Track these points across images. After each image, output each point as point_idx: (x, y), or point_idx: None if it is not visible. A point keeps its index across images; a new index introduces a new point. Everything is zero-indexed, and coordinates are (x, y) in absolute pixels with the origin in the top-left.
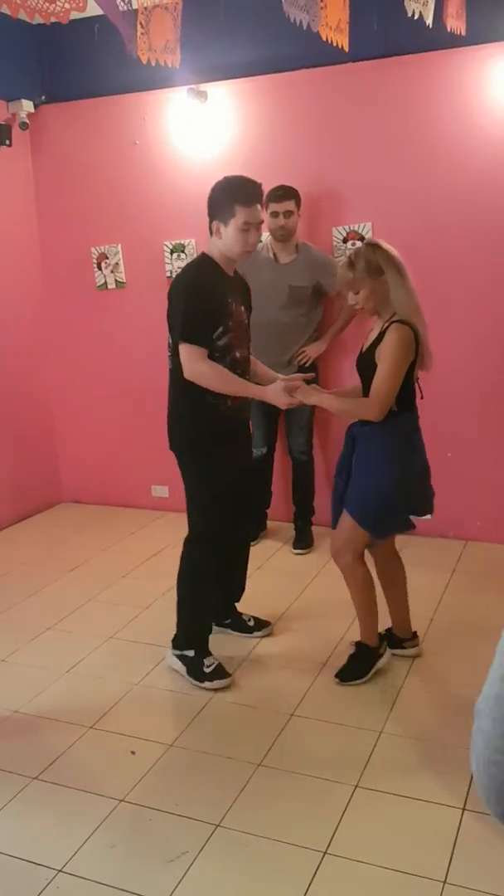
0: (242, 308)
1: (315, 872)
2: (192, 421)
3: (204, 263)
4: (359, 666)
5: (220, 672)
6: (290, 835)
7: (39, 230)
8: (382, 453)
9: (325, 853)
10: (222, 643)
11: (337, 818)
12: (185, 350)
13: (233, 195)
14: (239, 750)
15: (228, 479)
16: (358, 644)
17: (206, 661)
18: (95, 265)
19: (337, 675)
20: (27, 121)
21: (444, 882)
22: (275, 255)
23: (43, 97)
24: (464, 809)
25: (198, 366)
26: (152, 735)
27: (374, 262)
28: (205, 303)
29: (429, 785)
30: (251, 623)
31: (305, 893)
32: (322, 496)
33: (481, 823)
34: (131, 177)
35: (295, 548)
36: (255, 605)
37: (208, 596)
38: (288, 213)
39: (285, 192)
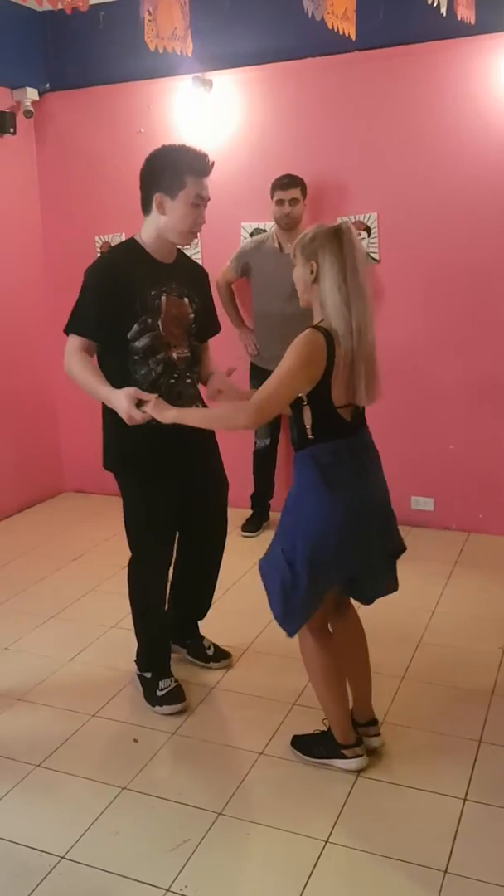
0: (186, 301)
1: (316, 861)
2: (118, 435)
3: (124, 249)
4: (316, 747)
5: (173, 696)
6: (292, 824)
7: (43, 218)
8: (299, 497)
9: (326, 842)
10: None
11: (338, 808)
12: (67, 342)
13: (184, 164)
14: (241, 739)
15: (167, 505)
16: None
17: (161, 684)
18: (99, 254)
19: (293, 738)
20: (31, 109)
21: (445, 872)
22: (279, 244)
23: (47, 85)
24: (465, 799)
25: (68, 360)
26: (155, 723)
27: (315, 244)
28: (104, 291)
29: (430, 774)
30: (210, 651)
31: (307, 882)
32: None
33: (483, 813)
34: (136, 165)
35: None
36: (255, 596)
37: (159, 619)
38: (294, 202)
39: (291, 181)
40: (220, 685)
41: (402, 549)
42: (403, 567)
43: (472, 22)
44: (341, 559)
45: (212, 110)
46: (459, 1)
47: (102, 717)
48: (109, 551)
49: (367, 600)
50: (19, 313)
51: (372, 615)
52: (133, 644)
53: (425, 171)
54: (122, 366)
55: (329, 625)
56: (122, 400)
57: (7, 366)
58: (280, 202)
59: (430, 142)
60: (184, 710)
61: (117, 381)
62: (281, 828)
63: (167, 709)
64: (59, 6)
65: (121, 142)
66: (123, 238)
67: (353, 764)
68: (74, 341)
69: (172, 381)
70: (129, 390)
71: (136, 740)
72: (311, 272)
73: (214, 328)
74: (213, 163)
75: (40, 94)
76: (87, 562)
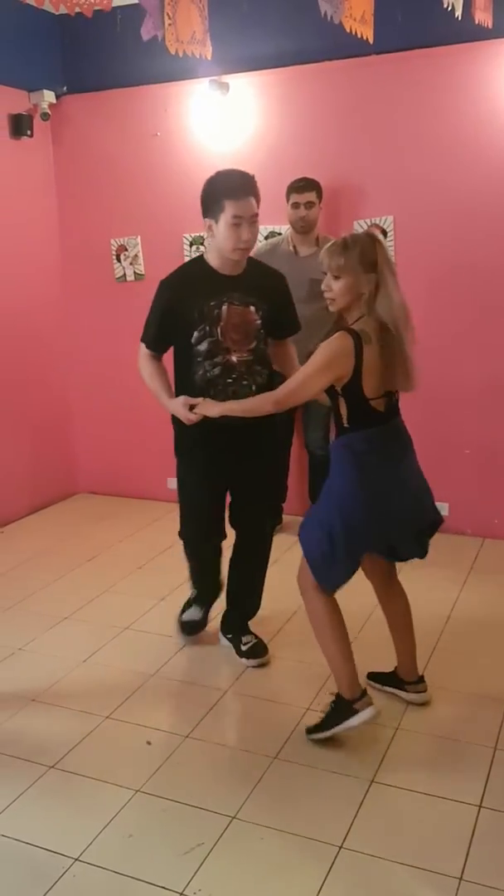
0: (252, 308)
1: (330, 867)
2: (176, 429)
3: (191, 265)
4: (328, 720)
5: (187, 627)
6: (306, 829)
7: (59, 221)
8: (335, 478)
9: (340, 848)
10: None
11: (353, 813)
12: (139, 347)
13: (220, 189)
14: (255, 743)
15: (202, 492)
16: (336, 696)
17: (187, 612)
18: (114, 257)
19: (306, 729)
20: (48, 111)
21: (461, 879)
22: (294, 247)
23: (64, 88)
24: (480, 806)
25: (139, 364)
26: (168, 726)
27: (371, 256)
28: (163, 305)
29: (445, 781)
30: (244, 647)
31: (321, 888)
32: None
33: (499, 820)
34: (152, 168)
35: None
36: (269, 601)
37: (201, 582)
38: (309, 205)
39: (307, 184)
40: (233, 688)
41: (439, 521)
42: (418, 573)
43: (490, 26)
44: (370, 532)
45: (228, 113)
46: (477, 4)
47: (116, 719)
48: (123, 552)
49: (401, 559)
50: (35, 315)
51: (380, 620)
52: (147, 646)
53: (442, 174)
54: (188, 365)
55: (378, 593)
56: (177, 407)
57: (22, 367)
58: (296, 205)
59: (447, 145)
60: (190, 641)
61: (183, 377)
62: (295, 832)
63: (180, 637)
64: (78, 10)
65: (137, 144)
66: (139, 241)
67: (365, 715)
68: (143, 348)
69: (230, 381)
70: (180, 399)
71: (149, 742)
72: (371, 282)
73: (291, 328)
74: (251, 180)
75: (57, 97)
76: (100, 563)
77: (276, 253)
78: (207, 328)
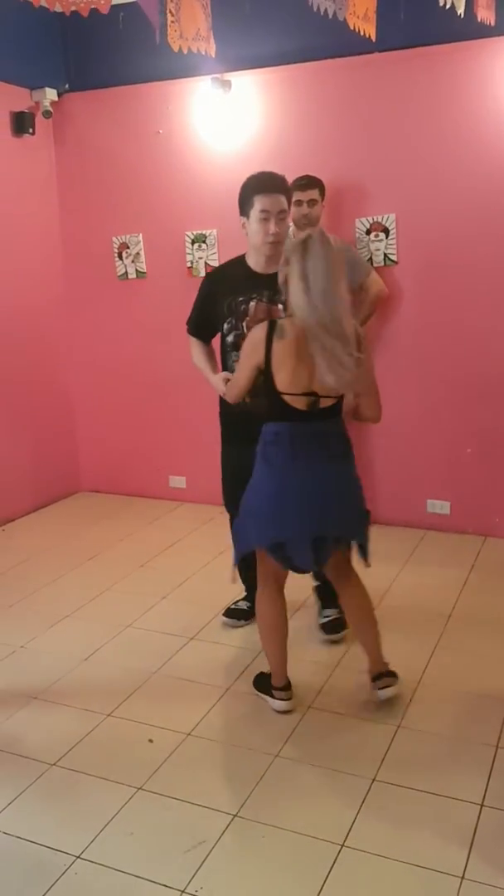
0: (279, 307)
1: (332, 865)
2: (220, 410)
3: (230, 262)
4: (261, 682)
5: (231, 612)
6: (308, 827)
7: (61, 219)
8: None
9: (342, 846)
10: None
11: (354, 811)
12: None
13: (251, 187)
14: (257, 740)
15: (232, 466)
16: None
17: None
18: (116, 255)
19: (257, 675)
20: (50, 109)
21: (462, 878)
22: None
23: (66, 85)
24: (482, 805)
25: (190, 347)
26: (170, 724)
27: (288, 252)
28: (202, 297)
29: (447, 780)
30: (323, 620)
31: (322, 886)
32: None
33: (500, 819)
34: (154, 166)
35: None
36: None
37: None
38: (312, 202)
39: (309, 182)
40: (235, 686)
41: (343, 539)
42: (420, 571)
43: (493, 23)
44: (262, 521)
45: (231, 111)
46: (479, 2)
47: (118, 717)
48: (125, 551)
49: (296, 570)
50: (37, 313)
51: (388, 619)
52: (149, 644)
53: (444, 172)
54: (223, 354)
55: (336, 589)
56: (217, 381)
57: (24, 365)
58: (298, 203)
59: (450, 143)
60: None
61: (222, 364)
62: (297, 830)
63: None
64: (73, 9)
65: (139, 142)
66: (141, 239)
67: (277, 704)
68: (189, 338)
69: None
70: (221, 374)
71: (151, 740)
72: (283, 275)
73: None
74: (280, 179)
75: (59, 95)
76: (102, 561)
77: (279, 252)
78: (234, 321)
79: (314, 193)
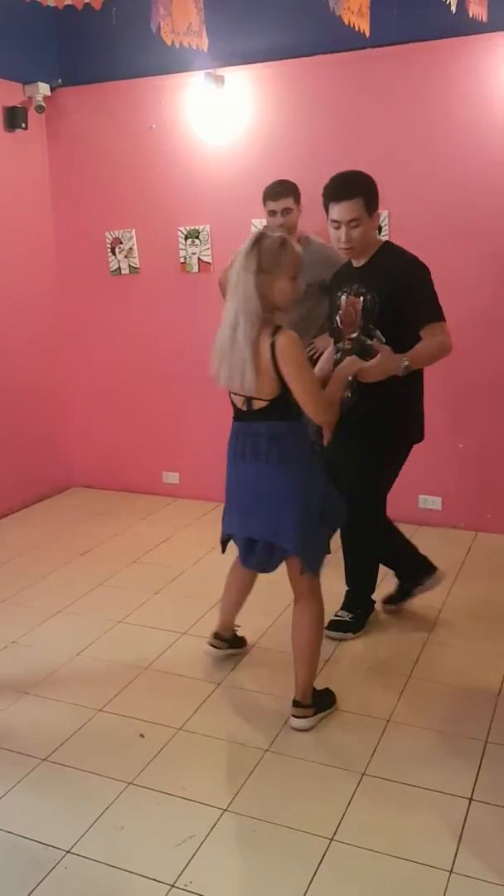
0: (360, 299)
1: (321, 859)
2: None
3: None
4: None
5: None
6: (298, 821)
7: (54, 213)
8: None
9: (331, 840)
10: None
11: (344, 805)
12: None
13: (325, 194)
14: (247, 735)
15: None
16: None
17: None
18: (109, 250)
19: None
20: (43, 104)
21: (451, 871)
22: None
23: (59, 80)
24: (471, 799)
25: None
26: (161, 718)
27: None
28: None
29: (436, 774)
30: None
31: (311, 880)
32: None
33: (489, 813)
34: (147, 161)
35: None
36: (259, 595)
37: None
38: (286, 211)
39: (283, 189)
40: (226, 681)
41: (278, 547)
42: None
43: (485, 19)
44: (223, 517)
45: (224, 106)
46: None
47: (109, 712)
48: (118, 546)
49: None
50: (30, 307)
51: (379, 614)
52: (141, 639)
53: (437, 168)
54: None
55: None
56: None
57: (18, 360)
58: (272, 213)
59: (442, 139)
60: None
61: None
62: (286, 825)
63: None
64: (67, 2)
65: (132, 137)
66: (134, 234)
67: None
68: None
69: (339, 361)
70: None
71: (142, 735)
72: None
73: (415, 318)
74: (348, 184)
75: (52, 90)
76: (95, 557)
77: None
78: (333, 316)
79: (289, 202)
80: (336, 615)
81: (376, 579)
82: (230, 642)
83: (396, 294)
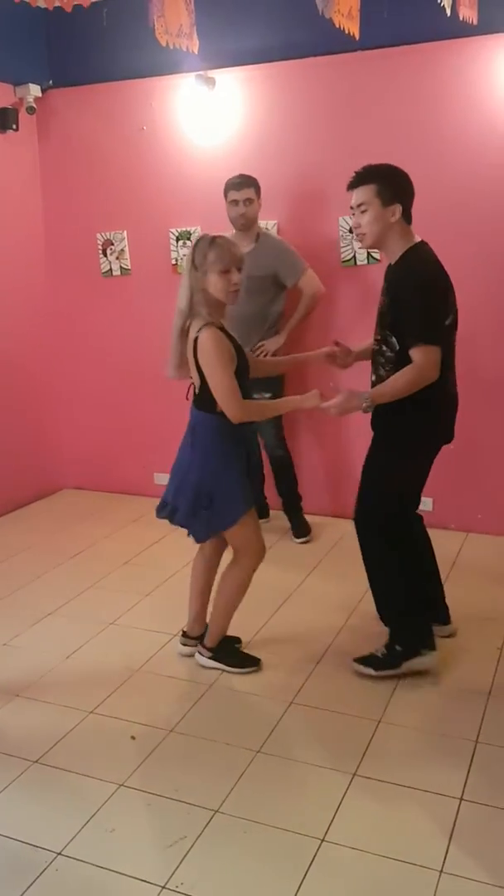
0: (383, 299)
1: (312, 859)
2: None
3: None
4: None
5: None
6: (288, 822)
7: (45, 215)
8: None
9: (322, 840)
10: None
11: (335, 806)
12: None
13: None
14: (238, 737)
15: None
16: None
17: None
18: (101, 251)
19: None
20: (34, 105)
21: (441, 871)
22: None
23: (50, 81)
24: (461, 799)
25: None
26: (152, 721)
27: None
28: None
29: (427, 774)
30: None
31: (302, 880)
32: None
33: (479, 813)
34: (138, 163)
35: (296, 537)
36: (254, 598)
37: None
38: (248, 202)
39: (245, 181)
40: (217, 683)
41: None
42: None
43: (475, 22)
44: None
45: (214, 108)
46: (462, 1)
47: (100, 714)
48: (109, 548)
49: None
50: (21, 309)
51: (369, 611)
52: (132, 641)
53: (426, 169)
54: None
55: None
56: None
57: (8, 361)
58: (234, 202)
59: (432, 141)
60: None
61: None
62: (277, 825)
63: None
64: (57, 4)
65: (123, 139)
66: (125, 235)
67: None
68: None
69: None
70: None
71: (133, 737)
72: None
73: (404, 331)
74: (360, 173)
75: (43, 91)
76: (86, 559)
77: None
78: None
79: (250, 192)
80: (377, 649)
81: (408, 603)
82: (200, 640)
83: (393, 304)
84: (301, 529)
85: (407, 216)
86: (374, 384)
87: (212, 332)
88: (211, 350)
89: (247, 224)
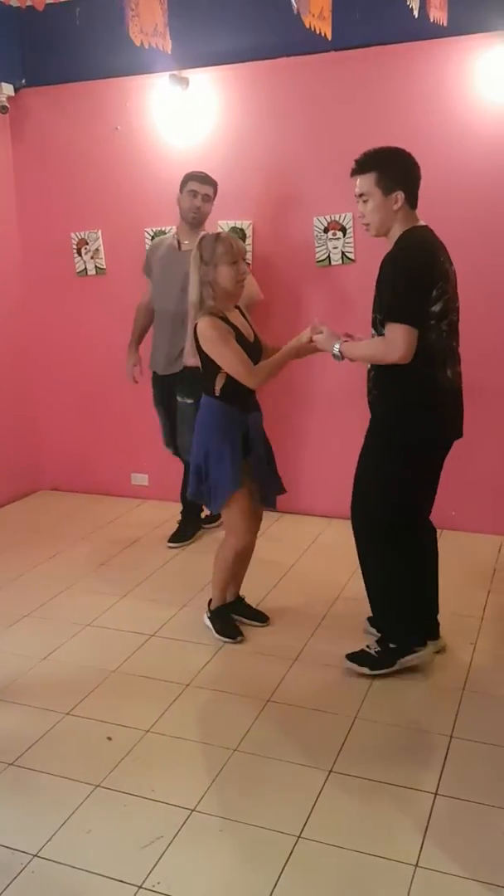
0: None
1: (289, 856)
2: None
3: None
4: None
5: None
6: (265, 819)
7: (18, 215)
8: None
9: (298, 837)
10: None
11: (311, 803)
12: None
13: None
14: (215, 735)
15: None
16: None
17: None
18: (75, 251)
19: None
20: (7, 104)
21: (416, 865)
22: (178, 241)
23: (23, 81)
24: (436, 794)
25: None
26: (129, 721)
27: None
28: None
29: (402, 769)
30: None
31: (279, 877)
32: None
33: (453, 808)
34: (112, 162)
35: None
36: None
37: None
38: (206, 197)
39: (207, 177)
40: (194, 683)
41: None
42: None
43: (445, 24)
44: None
45: (188, 108)
46: (432, 3)
47: (76, 716)
48: (85, 549)
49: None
50: None
51: (347, 612)
52: (108, 642)
53: None
54: None
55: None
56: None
57: None
58: (193, 193)
59: (404, 141)
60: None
61: None
62: (254, 823)
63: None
64: (29, 2)
65: (97, 138)
66: (100, 235)
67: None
68: None
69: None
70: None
71: (109, 738)
72: None
73: (383, 311)
74: (360, 159)
75: (16, 90)
76: (62, 560)
77: (161, 247)
78: None
79: (210, 190)
80: (368, 645)
81: (411, 606)
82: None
83: (377, 286)
84: (179, 537)
85: (412, 200)
86: (369, 371)
87: (208, 318)
88: (210, 333)
89: (198, 219)
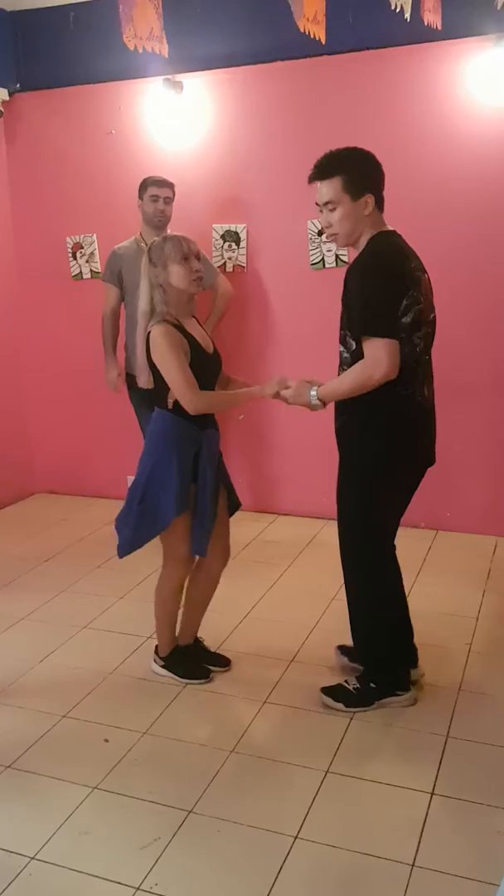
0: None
1: (286, 857)
2: None
3: None
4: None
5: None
6: (262, 820)
7: (13, 219)
8: None
9: (295, 838)
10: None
11: (308, 803)
12: None
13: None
14: (212, 737)
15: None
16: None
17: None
18: (70, 255)
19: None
20: (1, 109)
21: (413, 865)
22: (144, 242)
23: (17, 85)
24: (432, 794)
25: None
26: (126, 723)
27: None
28: None
29: (398, 770)
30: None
31: (276, 878)
32: None
33: (450, 807)
34: (107, 166)
35: None
36: (225, 595)
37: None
38: (167, 200)
39: (165, 181)
40: (190, 685)
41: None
42: None
43: (439, 27)
44: None
45: (182, 112)
46: (426, 6)
47: (73, 718)
48: (81, 553)
49: None
50: None
51: (340, 614)
52: (106, 644)
53: (390, 173)
54: None
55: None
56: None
57: None
58: (155, 198)
59: (396, 145)
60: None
61: None
62: (251, 824)
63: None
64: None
65: (92, 142)
66: (95, 239)
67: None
68: None
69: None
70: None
71: (106, 740)
72: None
73: (353, 326)
74: (324, 163)
75: (10, 95)
76: (58, 563)
77: (128, 251)
78: None
79: (170, 192)
80: (346, 680)
81: (390, 648)
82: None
83: (344, 298)
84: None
85: (379, 203)
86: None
87: (161, 327)
88: (161, 343)
89: (163, 222)
